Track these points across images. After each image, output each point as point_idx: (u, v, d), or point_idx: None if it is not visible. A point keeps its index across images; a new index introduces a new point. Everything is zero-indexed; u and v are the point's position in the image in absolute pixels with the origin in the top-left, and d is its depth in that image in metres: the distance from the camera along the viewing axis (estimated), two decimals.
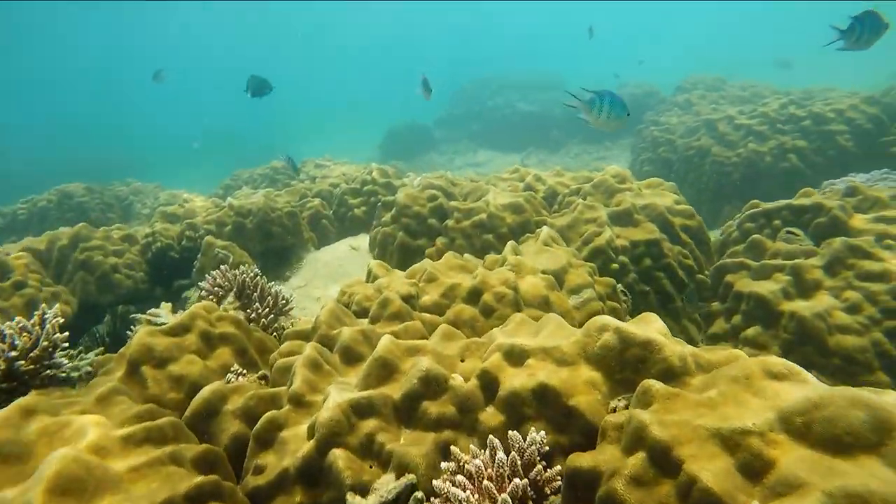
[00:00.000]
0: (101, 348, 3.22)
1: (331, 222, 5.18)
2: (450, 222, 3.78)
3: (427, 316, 2.45)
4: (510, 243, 3.00)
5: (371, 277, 2.83)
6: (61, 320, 2.05)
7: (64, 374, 2.14)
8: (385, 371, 1.72)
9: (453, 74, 25.73)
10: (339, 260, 4.44)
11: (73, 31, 42.51)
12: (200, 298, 3.14)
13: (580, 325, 1.85)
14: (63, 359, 2.09)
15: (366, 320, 2.43)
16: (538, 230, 3.47)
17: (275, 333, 3.01)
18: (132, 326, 3.10)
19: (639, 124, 12.37)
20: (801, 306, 2.89)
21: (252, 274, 3.20)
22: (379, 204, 4.40)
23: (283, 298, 3.20)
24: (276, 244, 4.63)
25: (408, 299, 2.48)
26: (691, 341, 3.40)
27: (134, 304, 4.39)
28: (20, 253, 3.65)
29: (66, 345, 2.11)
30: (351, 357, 1.97)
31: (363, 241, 4.87)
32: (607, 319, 1.60)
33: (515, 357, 1.64)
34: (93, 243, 4.24)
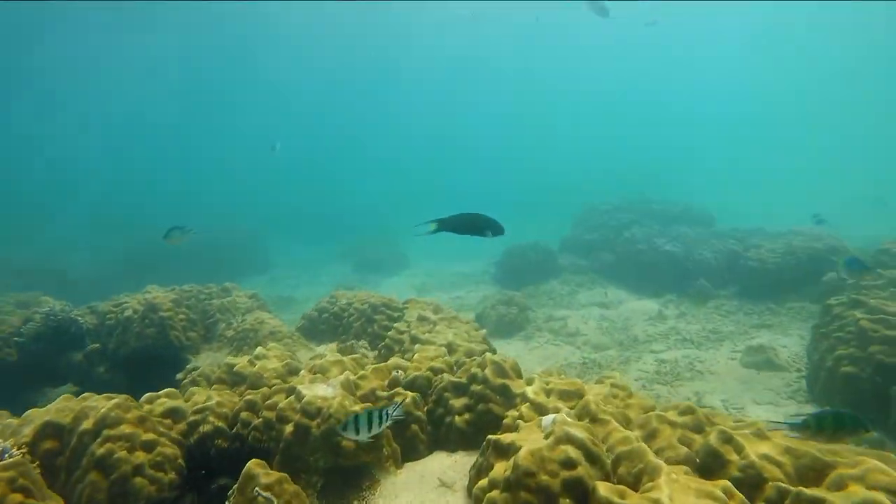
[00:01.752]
0: None
1: (423, 428, 4.06)
2: None
3: None
4: None
5: None
6: None
7: None
8: None
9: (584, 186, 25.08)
10: None
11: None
12: None
13: None
14: None
15: None
16: None
17: None
18: None
19: (817, 285, 10.42)
20: None
21: None
22: (490, 440, 3.20)
23: None
24: (345, 463, 3.57)
25: None
26: None
27: None
28: (11, 460, 2.89)
29: None
30: None
31: (461, 468, 3.67)
32: None
33: None
34: (121, 430, 3.43)
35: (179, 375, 6.61)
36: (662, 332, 10.29)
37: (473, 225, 3.88)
